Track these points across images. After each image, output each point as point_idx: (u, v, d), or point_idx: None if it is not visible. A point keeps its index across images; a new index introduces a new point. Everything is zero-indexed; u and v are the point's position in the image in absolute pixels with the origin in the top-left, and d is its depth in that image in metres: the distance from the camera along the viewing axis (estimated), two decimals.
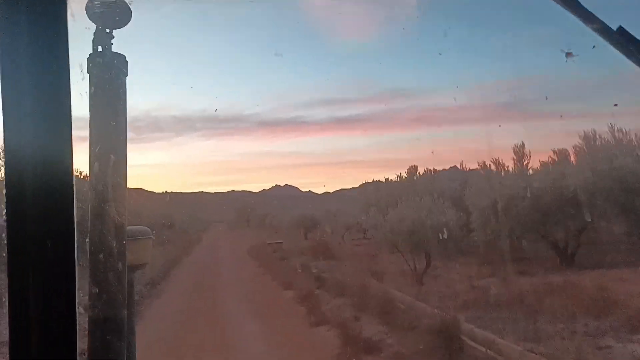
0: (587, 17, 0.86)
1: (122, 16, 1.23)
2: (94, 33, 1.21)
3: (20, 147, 0.82)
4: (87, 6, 1.19)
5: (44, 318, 0.82)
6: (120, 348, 1.18)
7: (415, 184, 25.45)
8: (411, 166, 25.93)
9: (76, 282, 0.85)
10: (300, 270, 19.92)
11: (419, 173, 26.13)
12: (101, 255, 1.17)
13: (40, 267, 0.82)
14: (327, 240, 34.49)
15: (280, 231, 51.64)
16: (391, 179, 31.51)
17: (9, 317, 0.82)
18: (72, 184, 0.85)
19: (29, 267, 0.82)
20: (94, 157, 1.20)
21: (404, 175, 31.90)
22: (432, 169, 24.82)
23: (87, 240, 1.17)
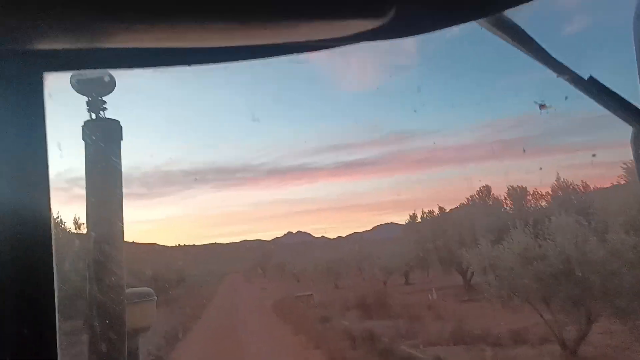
0: (559, 68, 0.86)
1: (106, 85, 1.20)
2: (87, 102, 1.19)
3: None
4: (71, 81, 1.15)
5: None
6: None
7: (490, 210, 18.77)
8: (483, 187, 19.20)
9: (56, 295, 0.84)
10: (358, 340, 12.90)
11: (493, 195, 19.38)
12: (98, 323, 1.10)
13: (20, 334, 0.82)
14: (370, 290, 27.38)
15: (303, 280, 44.29)
16: (446, 209, 24.88)
17: None
18: (52, 250, 0.85)
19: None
20: (91, 221, 1.16)
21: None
22: (516, 186, 18.01)
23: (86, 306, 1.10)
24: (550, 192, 17.39)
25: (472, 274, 24.11)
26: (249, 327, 18.48)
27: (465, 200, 21.62)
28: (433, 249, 25.51)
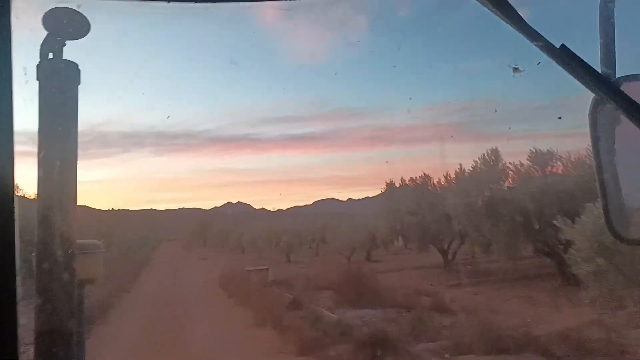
0: (533, 35, 0.89)
1: (80, 28, 1.12)
2: (44, 39, 1.10)
3: None
4: (44, 15, 1.07)
5: None
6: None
7: (492, 178, 15.19)
8: (492, 149, 15.41)
9: (17, 291, 0.78)
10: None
11: (500, 161, 15.64)
12: (46, 265, 1.06)
13: None
14: (332, 266, 23.48)
15: (249, 251, 39.86)
16: (432, 179, 21.19)
17: None
18: (13, 195, 0.78)
19: None
20: (43, 168, 1.08)
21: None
22: (540, 150, 14.38)
23: (34, 251, 1.05)
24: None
25: (455, 253, 20.80)
26: (192, 311, 13.96)
27: (457, 168, 17.91)
28: (406, 223, 21.88)
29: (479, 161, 15.85)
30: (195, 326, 11.35)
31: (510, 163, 14.86)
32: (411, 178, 21.15)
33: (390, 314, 11.78)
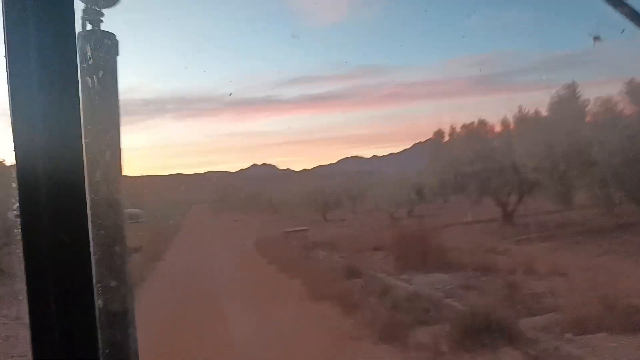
0: (617, 2, 0.83)
1: None
2: (83, 10, 1.05)
3: (30, 141, 0.73)
4: None
5: (64, 316, 0.73)
6: (136, 340, 1.05)
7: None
8: (569, 83, 12.77)
9: (93, 277, 0.77)
10: None
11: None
12: (117, 248, 1.04)
13: (56, 263, 0.74)
14: (375, 224, 21.56)
15: (281, 212, 38.29)
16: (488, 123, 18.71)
17: (29, 317, 0.74)
18: (84, 177, 0.77)
19: (45, 264, 0.74)
20: (86, 140, 0.97)
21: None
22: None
23: (101, 232, 1.00)
24: None
25: (516, 205, 18.48)
26: (230, 283, 12.17)
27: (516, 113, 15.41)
28: (457, 175, 19.57)
29: (553, 100, 13.32)
30: (235, 304, 9.53)
31: (595, 97, 12.32)
32: (463, 125, 18.62)
33: (467, 278, 9.73)
